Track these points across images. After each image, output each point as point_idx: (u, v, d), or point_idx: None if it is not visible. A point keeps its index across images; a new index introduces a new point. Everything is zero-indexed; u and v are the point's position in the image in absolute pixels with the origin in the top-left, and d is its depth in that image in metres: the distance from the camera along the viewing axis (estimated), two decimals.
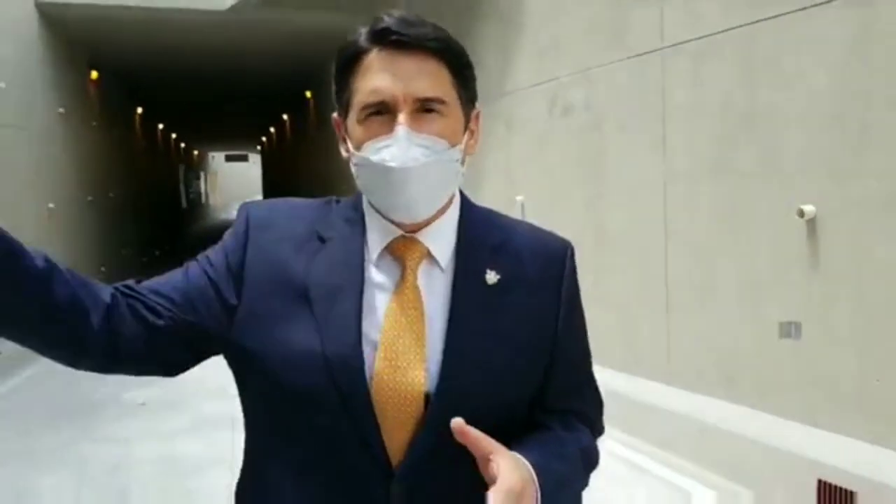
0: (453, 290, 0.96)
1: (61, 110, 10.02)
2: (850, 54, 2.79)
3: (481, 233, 1.01)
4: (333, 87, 0.98)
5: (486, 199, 5.26)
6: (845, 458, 2.79)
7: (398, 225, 0.97)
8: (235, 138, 29.77)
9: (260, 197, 35.33)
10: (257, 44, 11.50)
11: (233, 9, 9.40)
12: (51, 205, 9.15)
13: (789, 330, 3.03)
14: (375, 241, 0.98)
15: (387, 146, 0.90)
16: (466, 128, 0.98)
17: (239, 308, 0.97)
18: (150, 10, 9.60)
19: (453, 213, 1.01)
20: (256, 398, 0.99)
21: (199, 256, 1.02)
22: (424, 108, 0.92)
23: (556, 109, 4.87)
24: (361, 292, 0.95)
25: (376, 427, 0.91)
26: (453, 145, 0.94)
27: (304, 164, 17.39)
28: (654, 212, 3.92)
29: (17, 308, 0.84)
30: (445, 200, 0.97)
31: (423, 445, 0.91)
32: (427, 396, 0.92)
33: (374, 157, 0.90)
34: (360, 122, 0.93)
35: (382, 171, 0.90)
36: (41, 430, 4.74)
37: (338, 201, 1.04)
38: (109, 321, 0.91)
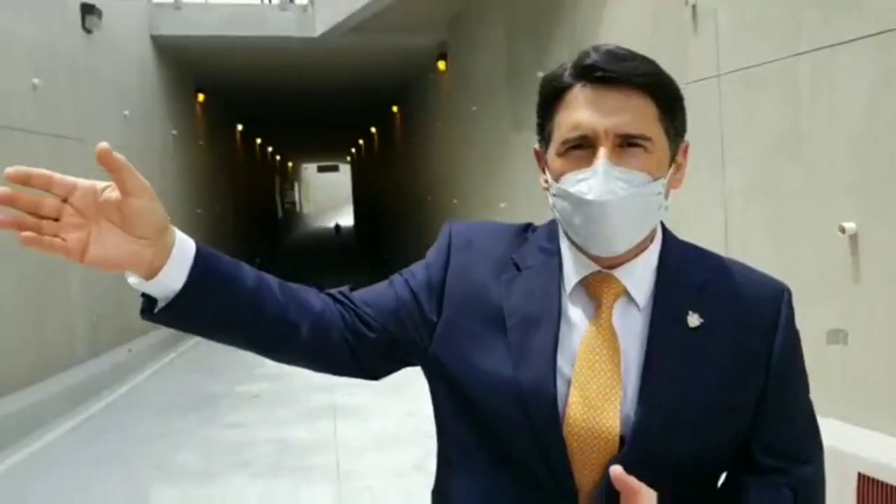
0: (651, 332, 0.93)
1: (174, 132, 11.13)
2: (878, 86, 3.07)
3: (684, 271, 0.97)
4: (536, 120, 0.98)
5: None
6: (886, 454, 3.05)
7: (595, 259, 0.95)
8: (327, 150, 31.14)
9: (350, 205, 36.73)
10: (347, 64, 12.31)
11: (323, 36, 10.21)
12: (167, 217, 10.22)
13: (837, 337, 3.31)
14: (570, 274, 0.97)
15: (585, 179, 0.89)
16: (672, 161, 0.95)
17: (438, 324, 0.99)
18: (250, 39, 10.57)
19: (654, 250, 0.98)
20: (448, 412, 1.00)
21: (404, 271, 1.05)
22: (627, 143, 0.90)
23: None
24: (558, 325, 0.94)
25: (567, 462, 0.90)
26: (655, 179, 0.91)
27: (392, 174, 18.20)
28: (717, 227, 4.24)
29: (234, 321, 0.93)
30: (645, 235, 0.95)
31: (612, 487, 0.88)
32: (621, 439, 0.90)
33: (572, 189, 0.90)
34: (560, 155, 0.93)
35: (580, 203, 0.89)
36: (172, 416, 5.54)
37: (534, 230, 1.04)
38: (319, 330, 0.97)
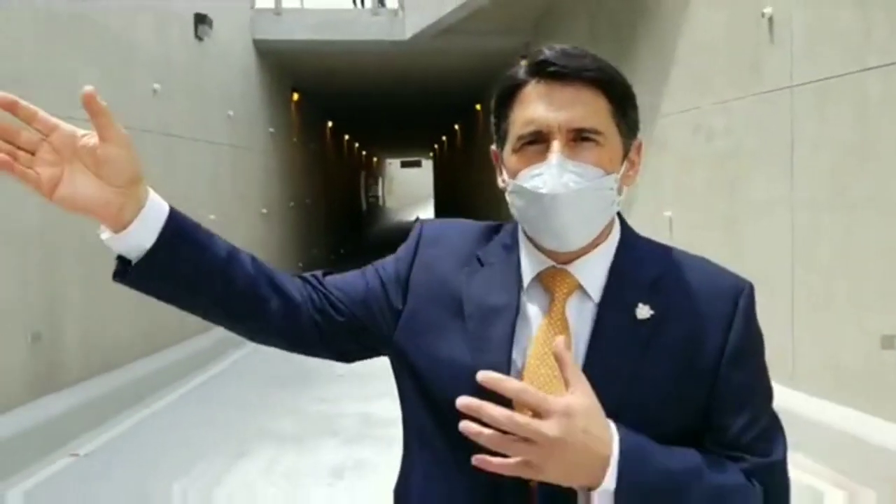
0: (597, 323, 0.95)
1: (272, 130, 11.88)
2: None
3: (639, 266, 0.98)
4: (492, 119, 1.00)
5: (636, 213, 6.00)
6: None
7: (550, 255, 0.97)
8: (410, 146, 31.88)
9: (431, 199, 37.49)
10: (433, 64, 12.76)
11: (413, 38, 10.68)
12: (264, 210, 10.98)
13: (892, 342, 3.46)
14: (527, 270, 0.99)
15: (540, 174, 0.90)
16: (625, 158, 0.96)
17: (402, 313, 1.03)
18: (344, 43, 11.17)
19: (609, 245, 0.99)
20: (409, 400, 1.04)
21: (377, 262, 1.09)
22: (580, 137, 0.91)
23: (698, 134, 5.41)
24: (515, 318, 0.96)
25: None
26: (608, 173, 0.92)
27: (472, 170, 18.62)
28: (783, 234, 4.39)
29: (203, 289, 0.95)
30: (599, 229, 0.96)
31: None
32: None
33: (528, 185, 0.91)
34: (516, 151, 0.94)
35: (535, 197, 0.91)
36: (270, 389, 6.15)
37: (500, 228, 1.07)
38: (288, 307, 1.00)
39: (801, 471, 4.00)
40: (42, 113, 0.83)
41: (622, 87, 0.95)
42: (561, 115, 0.91)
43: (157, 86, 6.88)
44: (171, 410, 5.61)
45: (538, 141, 0.92)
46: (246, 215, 9.98)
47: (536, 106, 0.92)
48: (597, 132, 0.92)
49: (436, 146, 29.85)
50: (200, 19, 8.14)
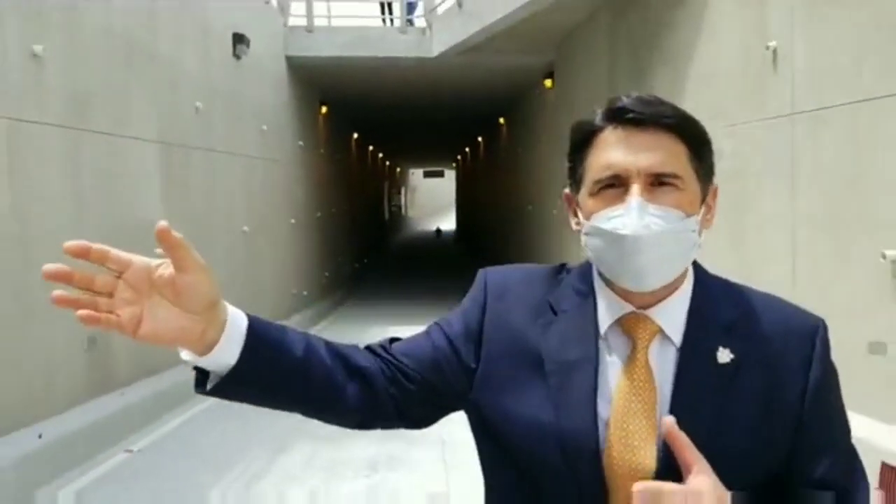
0: (680, 369, 0.95)
1: (300, 143, 12.39)
2: None
3: (716, 308, 0.98)
4: (567, 164, 1.01)
5: None
6: None
7: (628, 300, 0.97)
8: (433, 156, 32.37)
9: (453, 209, 37.95)
10: (459, 80, 13.20)
11: (440, 56, 11.13)
12: (293, 220, 11.48)
13: (878, 348, 3.79)
14: (605, 315, 0.98)
15: (619, 216, 0.91)
16: (703, 202, 0.97)
17: (477, 370, 1.00)
18: (372, 59, 11.65)
19: (686, 289, 0.99)
20: (490, 457, 1.03)
21: (440, 320, 1.07)
22: (659, 181, 0.92)
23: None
24: (597, 370, 0.95)
25: (604, 496, 0.92)
26: (689, 216, 0.93)
27: (495, 182, 19.01)
28: (785, 248, 4.74)
29: (284, 391, 0.95)
30: (679, 272, 0.96)
31: None
32: (656, 475, 0.91)
33: (606, 226, 0.91)
34: (592, 195, 0.95)
35: (613, 238, 0.90)
36: None
37: (568, 271, 1.06)
38: (364, 390, 0.99)
39: None
40: (114, 251, 0.83)
41: (700, 132, 0.97)
42: (640, 159, 0.92)
43: (199, 104, 7.38)
44: (211, 412, 6.07)
45: (616, 185, 0.93)
46: (276, 226, 10.47)
47: (615, 151, 0.93)
48: (676, 176, 0.93)
49: (459, 157, 30.29)
50: (238, 39, 8.65)
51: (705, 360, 0.95)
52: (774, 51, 4.82)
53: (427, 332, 1.06)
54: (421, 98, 15.49)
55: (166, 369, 6.20)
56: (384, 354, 1.03)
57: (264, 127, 9.95)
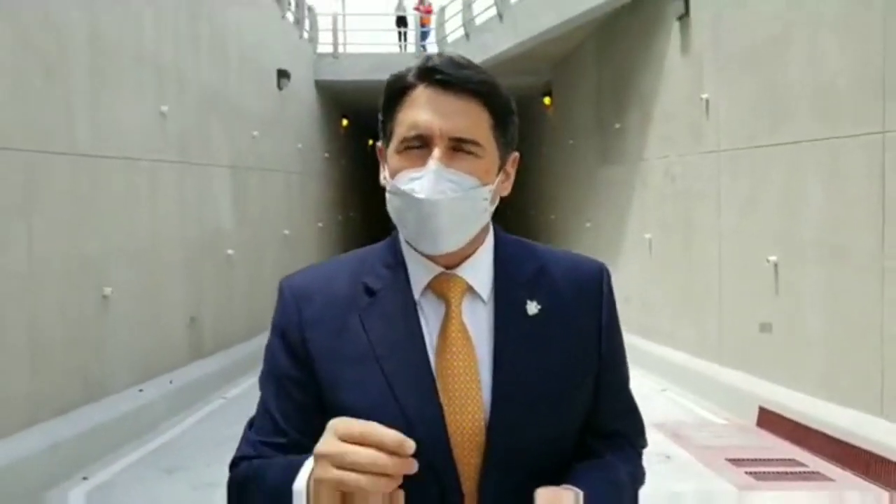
0: (496, 324, 1.02)
1: (326, 155, 14.21)
2: (789, 181, 5.33)
3: (518, 263, 1.06)
4: (380, 116, 1.04)
5: (626, 235, 8.13)
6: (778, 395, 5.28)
7: (434, 260, 1.02)
8: None
9: None
10: None
11: None
12: (320, 224, 13.29)
13: (766, 328, 5.57)
14: (416, 281, 1.03)
15: (417, 178, 0.96)
16: (501, 169, 1.03)
17: (321, 381, 1.01)
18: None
19: (488, 247, 1.06)
20: None
21: (265, 371, 1.06)
22: (460, 147, 0.97)
23: (667, 177, 7.54)
24: (423, 340, 1.00)
25: (454, 471, 0.97)
26: (484, 184, 0.99)
27: None
28: (714, 257, 6.51)
29: None
30: (472, 235, 1.01)
31: (489, 477, 0.97)
32: (487, 430, 0.98)
33: (405, 187, 0.97)
34: (398, 152, 0.99)
35: (410, 201, 0.96)
36: None
37: (372, 249, 1.09)
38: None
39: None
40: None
41: (504, 101, 1.02)
42: (444, 123, 0.97)
43: (255, 133, 9.20)
44: (243, 395, 7.89)
45: (420, 145, 0.98)
46: (307, 229, 12.30)
47: (422, 111, 0.98)
48: (476, 144, 0.98)
49: None
50: (282, 74, 10.47)
51: (517, 313, 1.02)
52: (707, 101, 6.59)
53: (272, 392, 1.04)
54: None
55: (241, 342, 8.04)
56: (285, 441, 1.02)
57: (299, 145, 11.78)
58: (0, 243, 4.27)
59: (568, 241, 11.65)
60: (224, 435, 5.31)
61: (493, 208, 1.03)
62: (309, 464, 0.88)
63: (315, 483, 0.85)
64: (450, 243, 0.99)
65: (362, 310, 1.02)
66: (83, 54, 5.22)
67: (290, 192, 11.19)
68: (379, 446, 0.81)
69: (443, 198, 0.95)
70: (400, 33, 15.30)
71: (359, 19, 17.02)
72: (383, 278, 1.04)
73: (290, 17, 11.97)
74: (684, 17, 7.02)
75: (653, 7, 7.70)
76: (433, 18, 14.58)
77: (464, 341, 1.00)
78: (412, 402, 0.97)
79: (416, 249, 1.03)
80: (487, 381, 0.99)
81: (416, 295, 1.02)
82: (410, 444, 0.81)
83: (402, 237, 1.05)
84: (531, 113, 15.29)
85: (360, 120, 18.18)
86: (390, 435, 0.82)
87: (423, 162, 0.97)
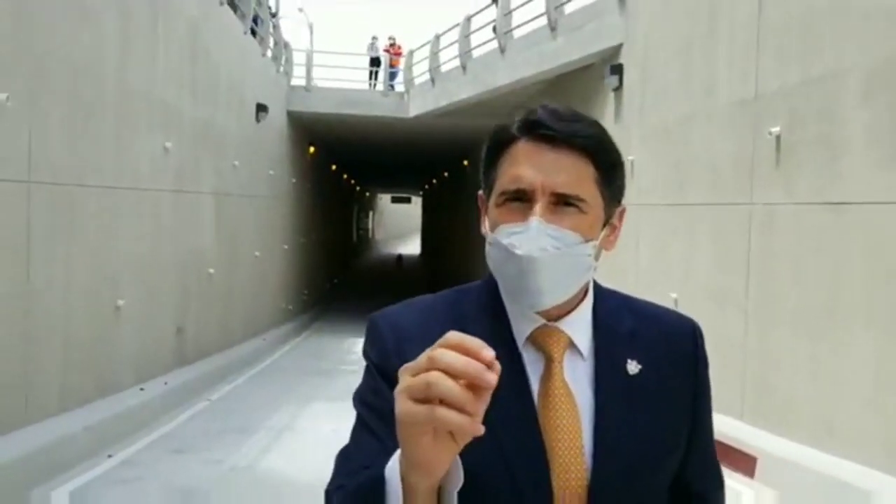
0: (597, 382, 1.01)
1: (294, 180, 15.32)
2: (665, 236, 6.76)
3: (616, 318, 1.05)
4: (482, 167, 1.05)
5: None
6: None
7: (537, 313, 1.00)
8: (402, 183, 35.42)
9: (418, 234, 40.99)
10: (430, 131, 16.33)
11: (416, 118, 14.23)
12: (285, 246, 14.37)
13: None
14: (518, 332, 1.02)
15: (517, 233, 0.95)
16: (607, 223, 1.02)
17: None
18: (359, 116, 14.71)
19: (589, 301, 1.05)
20: None
21: (364, 406, 1.04)
22: (563, 201, 0.96)
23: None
24: (531, 395, 0.98)
25: None
26: (587, 240, 0.97)
27: (457, 213, 22.20)
28: (631, 288, 7.88)
29: None
30: (573, 293, 1.00)
31: None
32: (589, 490, 0.97)
33: (505, 241, 0.96)
34: (499, 205, 0.99)
35: (510, 255, 0.95)
36: (303, 381, 9.51)
37: (463, 291, 1.08)
38: None
39: None
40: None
41: (612, 155, 1.01)
42: (547, 178, 0.96)
43: (236, 162, 10.32)
44: (254, 379, 8.98)
45: (521, 199, 0.97)
46: (275, 250, 13.39)
47: (524, 165, 0.97)
48: (580, 199, 0.97)
49: (426, 185, 33.37)
50: (261, 108, 11.62)
51: (617, 372, 1.02)
52: (632, 162, 8.00)
53: (365, 430, 1.02)
54: (395, 140, 18.58)
55: (217, 352, 9.11)
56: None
57: (271, 171, 12.90)
58: (46, 261, 5.33)
59: None
60: (216, 428, 6.47)
61: (597, 264, 1.02)
62: (398, 453, 0.83)
63: (403, 428, 0.77)
64: (550, 299, 0.98)
65: None
66: (111, 99, 6.33)
67: (261, 216, 12.29)
68: (465, 352, 0.75)
69: (543, 255, 0.95)
70: (371, 72, 16.59)
71: (333, 57, 18.29)
72: (484, 327, 1.01)
73: (269, 53, 13.14)
74: (618, 89, 8.46)
75: (595, 77, 9.15)
76: (402, 60, 15.92)
77: (567, 399, 1.00)
78: (520, 458, 0.93)
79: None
80: (588, 441, 0.99)
81: (519, 344, 1.02)
82: (490, 352, 0.75)
83: (502, 288, 1.04)
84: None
85: (325, 147, 19.36)
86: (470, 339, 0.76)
87: (523, 216, 0.97)
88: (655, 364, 1.04)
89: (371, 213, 42.98)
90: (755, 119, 5.74)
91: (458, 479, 0.82)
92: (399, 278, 29.93)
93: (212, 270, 9.17)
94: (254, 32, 11.76)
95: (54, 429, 5.14)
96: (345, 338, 14.08)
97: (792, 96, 5.19)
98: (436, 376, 0.73)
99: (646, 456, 1.01)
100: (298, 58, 15.21)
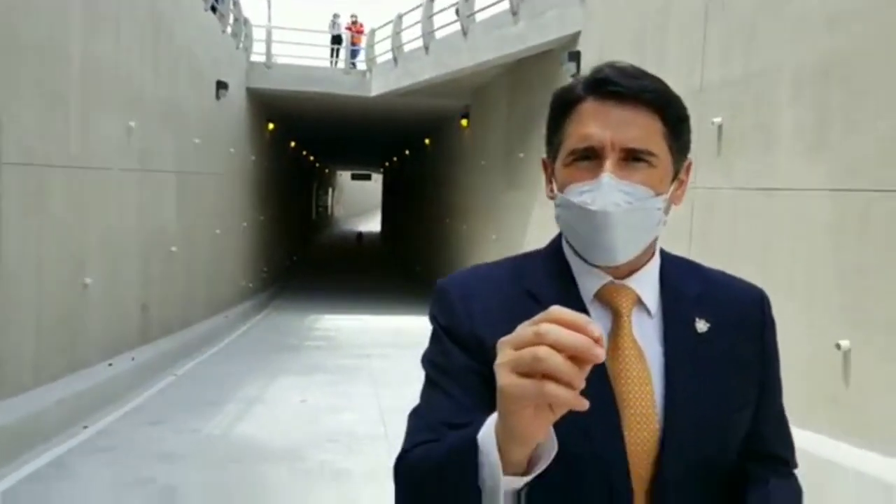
0: (665, 339, 1.03)
1: (253, 158, 15.39)
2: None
3: (683, 280, 1.08)
4: (545, 132, 1.05)
5: (525, 248, 9.98)
6: None
7: (604, 271, 1.02)
8: (362, 160, 35.41)
9: (378, 211, 41.03)
10: (391, 110, 16.52)
11: (377, 96, 14.40)
12: (244, 223, 14.48)
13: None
14: (585, 290, 1.04)
15: (589, 190, 0.96)
16: (675, 177, 1.04)
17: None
18: (320, 94, 14.80)
19: (656, 260, 1.07)
20: None
21: (436, 368, 1.04)
22: (632, 157, 0.97)
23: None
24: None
25: (628, 477, 0.99)
26: (658, 194, 0.99)
27: (417, 193, 22.48)
28: None
29: None
30: (644, 247, 1.02)
31: (664, 493, 1.00)
32: (661, 444, 1.00)
33: (576, 199, 0.97)
34: (567, 165, 1.00)
35: (583, 213, 0.96)
36: (267, 357, 9.78)
37: (530, 257, 1.10)
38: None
39: None
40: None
41: (679, 109, 1.02)
42: (616, 134, 0.97)
43: (197, 140, 10.43)
44: (217, 355, 9.22)
45: (590, 157, 0.98)
46: (235, 228, 13.53)
47: (592, 123, 0.98)
48: (650, 153, 0.98)
49: (386, 163, 33.49)
50: (221, 85, 11.68)
51: (686, 329, 1.04)
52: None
53: (441, 392, 1.02)
54: (356, 118, 18.70)
55: (179, 329, 9.31)
56: (471, 420, 0.91)
57: (232, 150, 12.99)
58: (18, 242, 5.50)
59: (476, 250, 13.38)
60: (186, 401, 6.77)
61: (667, 218, 1.03)
62: (494, 416, 0.82)
63: (507, 401, 0.75)
64: (624, 254, 1.00)
65: (529, 315, 0.83)
66: (77, 77, 6.45)
67: (221, 193, 12.40)
68: (570, 326, 0.72)
69: (617, 209, 0.96)
70: (333, 49, 16.64)
71: (294, 33, 18.25)
72: (550, 287, 1.04)
73: (228, 29, 13.17)
74: (576, 75, 8.73)
75: (554, 62, 9.47)
76: (364, 39, 16.02)
77: (636, 353, 1.02)
78: (591, 412, 0.82)
79: (587, 262, 1.03)
80: (658, 395, 1.01)
81: (587, 302, 1.04)
82: (597, 327, 0.73)
83: (565, 247, 1.07)
84: (451, 131, 16.99)
85: (284, 124, 19.37)
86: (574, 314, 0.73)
87: (593, 175, 0.98)
88: (723, 326, 1.06)
89: (331, 190, 42.92)
90: (700, 109, 6.17)
91: (553, 447, 0.83)
92: (360, 255, 30.18)
93: (174, 248, 9.32)
94: (213, 9, 11.78)
95: (31, 401, 5.36)
96: (306, 314, 14.34)
97: (733, 88, 5.61)
98: (545, 352, 0.72)
99: (715, 412, 1.03)
100: (258, 34, 15.22)
